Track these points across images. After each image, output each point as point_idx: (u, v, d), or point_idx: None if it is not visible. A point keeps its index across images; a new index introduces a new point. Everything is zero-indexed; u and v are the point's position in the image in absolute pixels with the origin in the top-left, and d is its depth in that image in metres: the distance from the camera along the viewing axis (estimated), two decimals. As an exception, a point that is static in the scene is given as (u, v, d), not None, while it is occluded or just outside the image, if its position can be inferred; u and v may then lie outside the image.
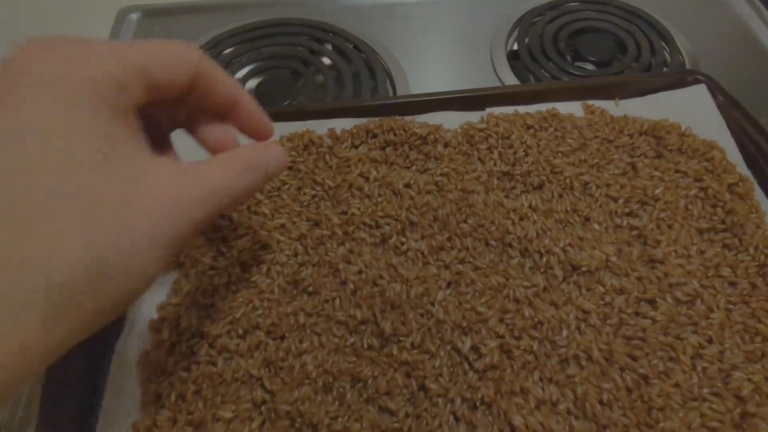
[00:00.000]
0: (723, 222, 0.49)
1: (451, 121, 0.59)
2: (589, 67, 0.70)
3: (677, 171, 0.53)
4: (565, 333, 0.43)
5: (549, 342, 0.42)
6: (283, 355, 0.41)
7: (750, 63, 0.73)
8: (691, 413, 0.39)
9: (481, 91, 0.60)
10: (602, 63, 0.69)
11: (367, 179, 0.52)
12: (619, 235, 0.49)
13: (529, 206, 0.50)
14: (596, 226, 0.49)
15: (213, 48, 0.73)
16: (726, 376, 0.41)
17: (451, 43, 0.76)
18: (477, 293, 0.45)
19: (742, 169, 0.54)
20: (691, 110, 0.58)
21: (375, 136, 0.56)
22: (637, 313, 0.44)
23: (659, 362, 0.42)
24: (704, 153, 0.53)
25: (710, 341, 0.43)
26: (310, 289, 0.45)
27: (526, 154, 0.54)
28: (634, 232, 0.49)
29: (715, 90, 0.59)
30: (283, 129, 0.57)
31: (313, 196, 0.51)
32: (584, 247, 0.47)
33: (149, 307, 0.45)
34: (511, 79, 0.69)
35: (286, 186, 0.52)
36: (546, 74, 0.69)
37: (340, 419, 0.39)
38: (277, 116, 0.58)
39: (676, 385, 0.40)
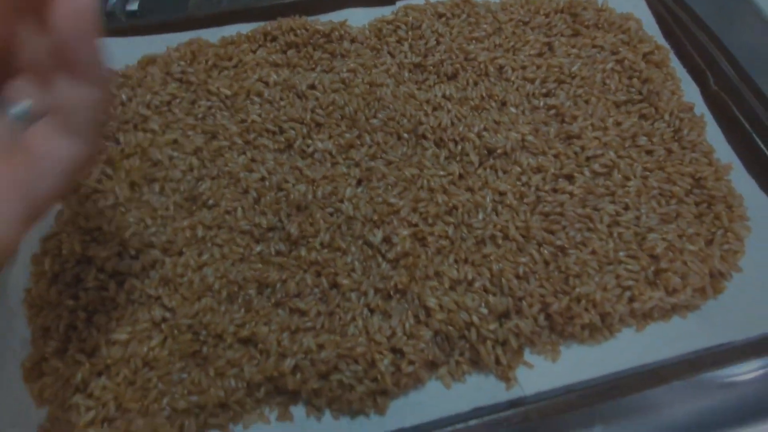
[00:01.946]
0: (640, 92, 0.48)
1: (360, 17, 0.54)
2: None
3: (594, 46, 0.50)
4: (481, 215, 0.41)
5: (465, 226, 0.40)
6: (182, 271, 0.38)
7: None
8: (606, 276, 0.38)
9: (388, -17, 0.55)
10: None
11: (267, 84, 0.48)
12: (536, 116, 0.46)
13: (443, 96, 0.47)
14: (513, 109, 0.47)
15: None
16: (642, 239, 0.40)
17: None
18: (389, 186, 0.42)
19: (660, 40, 0.52)
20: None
21: (275, 38, 0.51)
22: (555, 190, 0.43)
23: (577, 233, 0.41)
24: (621, 25, 0.51)
25: (626, 208, 0.42)
26: (210, 202, 0.42)
27: (438, 43, 0.50)
28: (552, 111, 0.47)
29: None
30: (173, 41, 0.51)
31: (209, 108, 0.47)
32: (500, 130, 0.45)
33: (34, 241, 0.40)
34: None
35: (177, 100, 0.47)
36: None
37: (247, 325, 0.36)
38: (164, 27, 0.53)
39: (593, 252, 0.40)
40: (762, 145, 0.45)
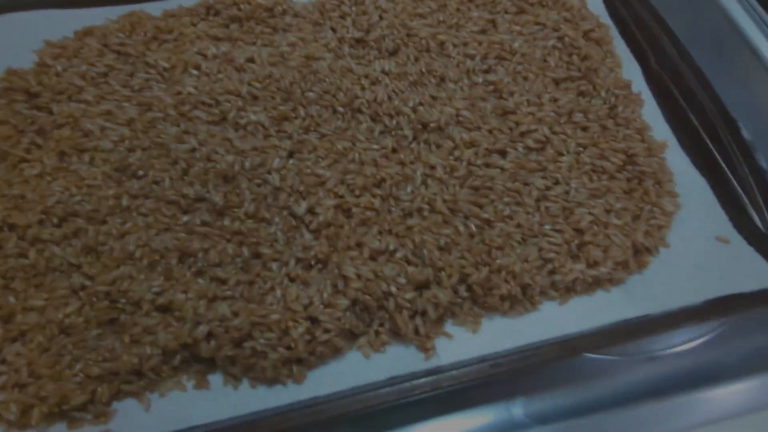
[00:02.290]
0: (579, 69, 0.47)
1: (308, -6, 0.54)
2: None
3: (537, 23, 0.50)
4: (409, 188, 0.41)
5: (393, 198, 0.40)
6: (104, 239, 0.38)
7: None
8: (529, 248, 0.38)
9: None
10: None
11: (205, 57, 0.47)
12: (474, 92, 0.46)
13: (382, 71, 0.47)
14: (451, 85, 0.47)
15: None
16: (570, 213, 0.40)
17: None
18: (320, 159, 0.42)
19: (604, 18, 0.52)
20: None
21: (218, 12, 0.51)
22: (487, 165, 0.43)
23: (505, 207, 0.41)
24: (564, 3, 0.51)
25: (557, 183, 0.42)
26: (140, 173, 0.41)
27: (381, 19, 0.50)
28: (491, 88, 0.47)
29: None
30: (115, 14, 0.51)
31: (147, 80, 0.46)
32: (435, 105, 0.45)
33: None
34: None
35: (114, 71, 0.46)
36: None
37: (165, 293, 0.36)
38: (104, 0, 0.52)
39: (518, 225, 0.40)
40: (696, 123, 0.45)
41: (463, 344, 0.37)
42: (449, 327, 0.38)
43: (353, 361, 0.37)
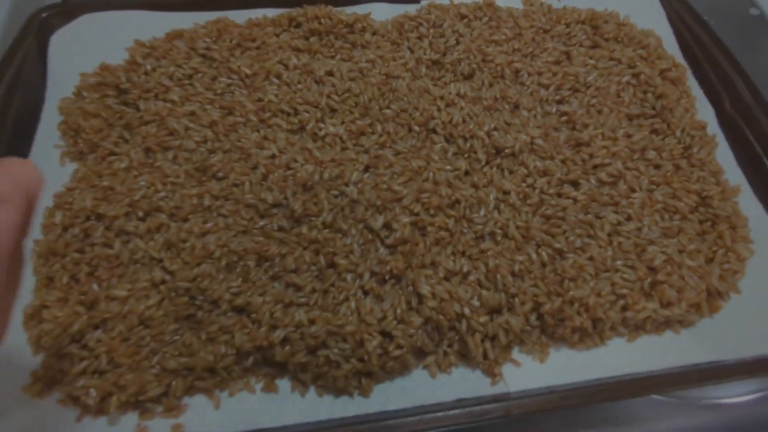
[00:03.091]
0: (653, 107, 0.48)
1: (385, 12, 0.55)
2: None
3: (612, 59, 0.51)
4: (482, 212, 0.41)
5: (466, 220, 0.41)
6: (185, 237, 0.39)
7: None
8: (602, 282, 0.38)
9: (415, -19, 0.56)
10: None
11: (286, 67, 0.49)
12: (547, 121, 0.47)
13: (457, 94, 0.48)
14: (525, 113, 0.47)
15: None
16: (641, 250, 0.40)
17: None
18: (395, 175, 0.43)
19: (679, 58, 0.52)
20: (634, 3, 0.56)
21: (299, 24, 0.52)
22: (559, 194, 0.43)
23: (576, 239, 0.41)
24: (640, 41, 0.51)
25: (629, 219, 0.42)
26: (220, 174, 0.42)
27: (458, 43, 0.51)
28: (564, 118, 0.47)
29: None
30: (202, 19, 0.53)
31: (229, 85, 0.48)
32: (510, 131, 0.45)
33: (47, 196, 0.42)
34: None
35: (199, 74, 0.48)
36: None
37: (242, 295, 0.37)
38: (195, 5, 0.54)
39: (591, 258, 0.40)
40: (772, 170, 0.45)
41: (530, 372, 0.37)
42: (516, 354, 0.38)
43: (419, 379, 0.37)
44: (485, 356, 0.37)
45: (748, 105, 0.48)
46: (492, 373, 0.37)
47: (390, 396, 0.36)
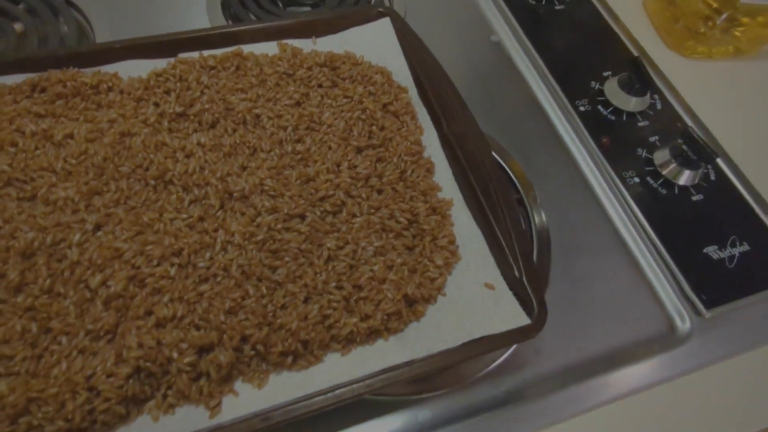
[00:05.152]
0: (378, 138, 0.54)
1: (143, 68, 0.57)
2: (303, 9, 0.72)
3: (345, 96, 0.56)
4: (208, 255, 0.44)
5: (191, 266, 0.44)
6: None
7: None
8: (309, 306, 0.43)
9: (170, 36, 0.59)
10: (314, 5, 0.72)
11: (23, 134, 0.50)
12: (282, 161, 0.51)
13: (198, 143, 0.51)
14: (262, 155, 0.51)
15: None
16: (354, 271, 0.45)
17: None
18: (124, 231, 0.45)
19: (413, 91, 0.59)
20: (375, 42, 0.62)
21: (44, 90, 0.53)
22: (287, 229, 0.47)
23: (297, 268, 0.45)
24: (370, 78, 0.57)
25: (347, 243, 0.47)
26: (-59, 254, 0.43)
27: (203, 94, 0.54)
28: (298, 156, 0.52)
29: (398, 22, 0.63)
30: (-61, 92, 0.52)
31: (-38, 159, 0.48)
32: (242, 175, 0.49)
33: None
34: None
35: (-72, 151, 0.48)
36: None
37: (-55, 376, 0.37)
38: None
39: (305, 285, 0.44)
40: (474, 182, 0.52)
41: (247, 400, 0.40)
42: (238, 385, 0.41)
43: (141, 425, 0.39)
44: (201, 392, 0.40)
45: (459, 126, 0.56)
46: (209, 407, 0.40)
47: (108, 447, 0.38)
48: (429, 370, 0.42)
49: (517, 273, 0.47)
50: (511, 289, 0.47)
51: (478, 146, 0.54)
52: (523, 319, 0.44)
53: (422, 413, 0.45)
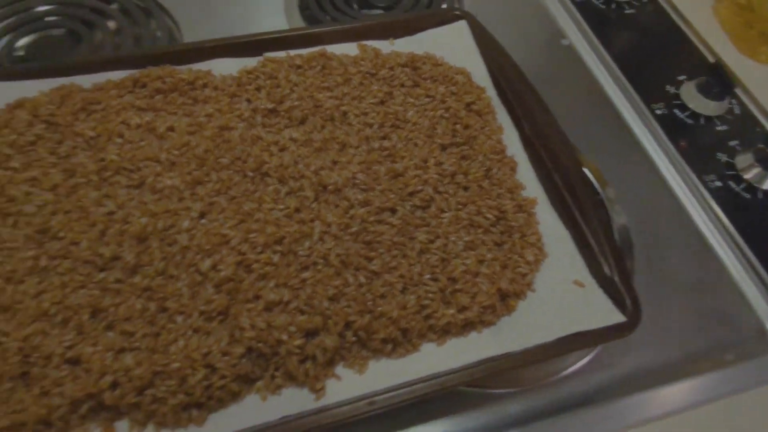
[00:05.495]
0: (462, 137, 0.55)
1: (230, 67, 0.60)
2: (376, 12, 0.74)
3: (428, 96, 0.58)
4: (307, 244, 0.46)
5: (292, 254, 0.46)
6: (20, 298, 0.41)
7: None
8: (408, 296, 0.44)
9: (255, 36, 0.61)
10: (388, 7, 0.74)
11: (128, 126, 0.52)
12: (371, 157, 0.53)
13: (290, 138, 0.53)
14: (351, 151, 0.53)
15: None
16: (447, 264, 0.47)
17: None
18: (227, 219, 0.47)
19: (491, 92, 0.60)
20: (452, 43, 0.64)
21: (144, 85, 0.56)
22: (379, 221, 0.49)
23: (392, 260, 0.46)
24: (451, 78, 0.59)
25: (438, 237, 0.48)
26: (61, 234, 0.45)
27: (292, 91, 0.56)
28: (385, 152, 0.53)
29: (474, 25, 0.65)
30: (50, 86, 0.55)
31: (74, 147, 0.51)
32: (335, 169, 0.51)
33: None
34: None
35: (43, 140, 0.51)
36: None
37: (75, 347, 0.39)
38: (43, 73, 0.57)
39: (401, 275, 0.45)
40: (560, 182, 0.53)
41: (349, 384, 0.42)
42: (339, 369, 0.43)
43: (251, 403, 0.41)
44: (307, 375, 0.41)
45: (542, 129, 0.56)
46: (314, 389, 0.41)
47: (221, 423, 0.40)
48: (526, 363, 0.43)
49: (607, 271, 0.47)
50: (600, 287, 0.47)
51: (561, 147, 0.54)
52: (617, 317, 0.44)
53: (513, 407, 0.46)
